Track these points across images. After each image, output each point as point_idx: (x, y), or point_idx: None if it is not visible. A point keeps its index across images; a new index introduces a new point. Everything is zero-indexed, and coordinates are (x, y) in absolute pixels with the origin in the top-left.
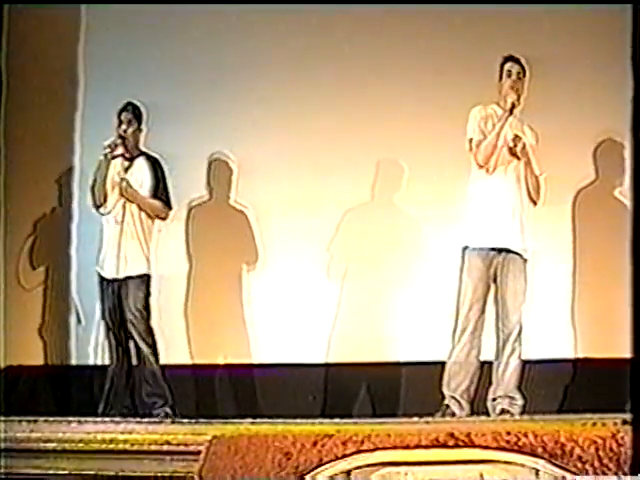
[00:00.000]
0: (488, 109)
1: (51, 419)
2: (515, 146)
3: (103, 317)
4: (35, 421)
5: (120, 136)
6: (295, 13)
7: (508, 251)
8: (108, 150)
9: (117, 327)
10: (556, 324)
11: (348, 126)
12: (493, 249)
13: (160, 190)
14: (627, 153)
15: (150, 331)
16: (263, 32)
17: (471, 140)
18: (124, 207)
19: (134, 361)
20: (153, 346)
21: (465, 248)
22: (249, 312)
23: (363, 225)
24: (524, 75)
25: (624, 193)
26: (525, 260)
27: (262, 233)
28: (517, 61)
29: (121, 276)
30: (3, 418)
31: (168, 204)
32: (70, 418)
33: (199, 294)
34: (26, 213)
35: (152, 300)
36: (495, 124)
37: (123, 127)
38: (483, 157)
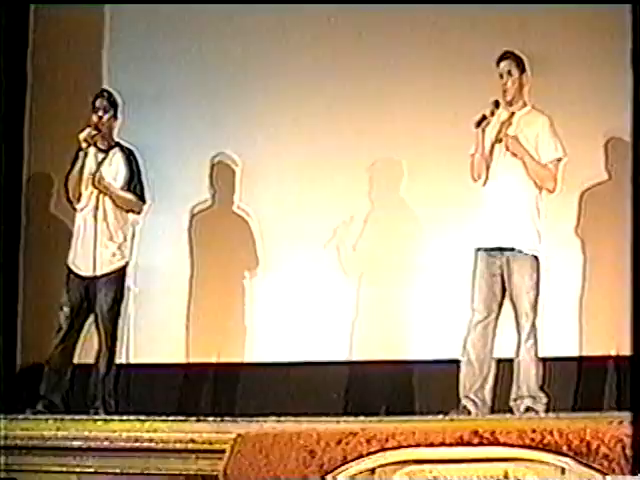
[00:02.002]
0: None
1: (77, 417)
2: (500, 141)
3: (71, 314)
4: (62, 419)
5: (96, 127)
6: (295, 14)
7: (512, 249)
8: (85, 145)
9: (78, 324)
10: (564, 322)
11: (353, 127)
12: (495, 249)
13: (134, 183)
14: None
15: (113, 331)
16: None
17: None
18: (98, 201)
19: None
20: (113, 346)
21: (476, 249)
22: (266, 312)
23: (374, 225)
24: (521, 68)
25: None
26: (533, 257)
27: (271, 235)
28: (509, 57)
29: (98, 274)
30: (32, 417)
31: (142, 198)
32: (96, 417)
33: (206, 294)
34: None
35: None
36: (477, 138)
37: (99, 114)
38: (475, 172)
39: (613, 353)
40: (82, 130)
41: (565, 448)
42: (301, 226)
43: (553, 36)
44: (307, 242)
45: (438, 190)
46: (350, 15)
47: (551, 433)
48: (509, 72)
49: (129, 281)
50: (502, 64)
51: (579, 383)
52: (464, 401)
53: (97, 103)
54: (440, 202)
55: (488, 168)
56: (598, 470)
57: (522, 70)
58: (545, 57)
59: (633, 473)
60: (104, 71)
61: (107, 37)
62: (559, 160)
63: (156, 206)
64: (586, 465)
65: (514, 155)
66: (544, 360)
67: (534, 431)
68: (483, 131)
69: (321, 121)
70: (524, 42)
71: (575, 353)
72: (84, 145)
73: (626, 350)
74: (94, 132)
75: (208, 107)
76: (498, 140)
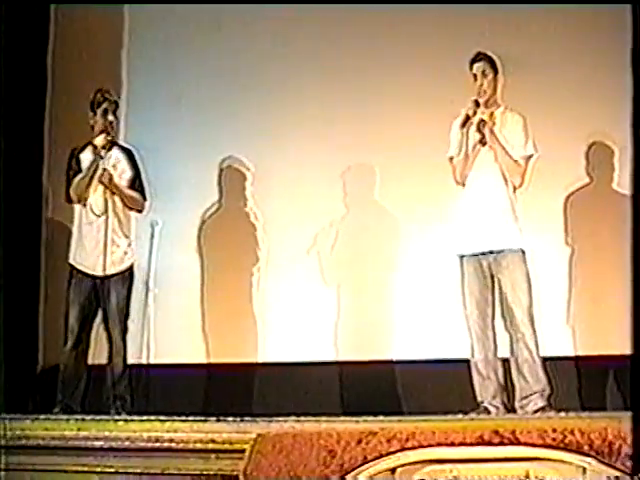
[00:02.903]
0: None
1: (98, 418)
2: (480, 131)
3: (81, 314)
4: (83, 420)
5: (107, 131)
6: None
7: (501, 250)
8: (104, 151)
9: (89, 324)
10: (553, 321)
11: (345, 130)
12: (483, 253)
13: (138, 182)
14: (618, 150)
15: (126, 330)
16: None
17: (451, 158)
18: (107, 200)
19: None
20: (125, 346)
21: (460, 256)
22: (266, 314)
23: (367, 228)
24: (494, 69)
25: (620, 187)
26: (521, 254)
27: (279, 236)
28: (483, 59)
29: (109, 273)
30: (53, 417)
31: (144, 196)
32: (116, 417)
33: (219, 296)
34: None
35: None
36: (460, 139)
37: (109, 118)
38: (458, 174)
39: (602, 353)
40: (82, 148)
41: (587, 448)
42: (305, 227)
43: (551, 36)
44: (316, 242)
45: (419, 192)
46: (325, 18)
47: (572, 432)
48: (484, 73)
49: (150, 282)
50: (476, 65)
51: (579, 382)
52: (486, 404)
53: (105, 105)
54: (421, 204)
55: (470, 169)
56: (620, 470)
57: (495, 71)
58: (535, 59)
59: (634, 473)
60: (123, 72)
61: (125, 37)
62: (529, 157)
63: (168, 207)
64: (608, 465)
65: (484, 144)
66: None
67: (555, 430)
68: (467, 131)
69: (332, 124)
70: (514, 43)
71: (566, 353)
72: (103, 152)
73: (613, 349)
74: (109, 138)
75: (221, 109)
76: (480, 141)
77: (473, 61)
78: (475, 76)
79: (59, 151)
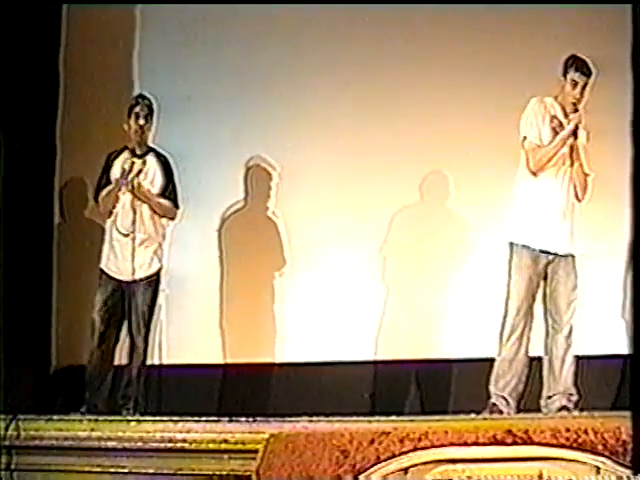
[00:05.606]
0: (548, 105)
1: (111, 418)
2: (572, 151)
3: (107, 317)
4: (96, 420)
5: (138, 137)
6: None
7: (556, 252)
8: (136, 159)
9: (114, 325)
10: (607, 321)
11: (383, 129)
12: (543, 251)
13: (169, 189)
14: None
15: (147, 334)
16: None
17: (525, 138)
18: (135, 207)
19: (124, 360)
20: (146, 347)
21: (513, 245)
22: (297, 313)
23: (410, 226)
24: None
25: None
26: (575, 256)
27: (302, 237)
28: (587, 71)
29: (136, 278)
30: (67, 418)
31: (176, 204)
32: (129, 418)
33: (238, 296)
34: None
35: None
36: (559, 136)
37: (140, 123)
38: (537, 166)
39: None
40: (118, 153)
41: (600, 447)
42: (331, 228)
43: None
44: (337, 244)
45: (479, 190)
46: (390, 18)
47: (586, 432)
48: (584, 86)
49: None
50: (580, 75)
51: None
52: (495, 399)
53: (137, 110)
54: (481, 202)
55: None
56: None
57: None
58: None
59: (635, 473)
60: (135, 73)
61: (138, 38)
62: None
63: (188, 209)
64: (622, 464)
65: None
66: (587, 358)
67: (568, 430)
68: (570, 135)
69: (351, 124)
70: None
71: (618, 351)
72: (135, 160)
73: None
74: (136, 143)
75: (239, 110)
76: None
77: (576, 68)
78: (575, 83)
79: (71, 152)
